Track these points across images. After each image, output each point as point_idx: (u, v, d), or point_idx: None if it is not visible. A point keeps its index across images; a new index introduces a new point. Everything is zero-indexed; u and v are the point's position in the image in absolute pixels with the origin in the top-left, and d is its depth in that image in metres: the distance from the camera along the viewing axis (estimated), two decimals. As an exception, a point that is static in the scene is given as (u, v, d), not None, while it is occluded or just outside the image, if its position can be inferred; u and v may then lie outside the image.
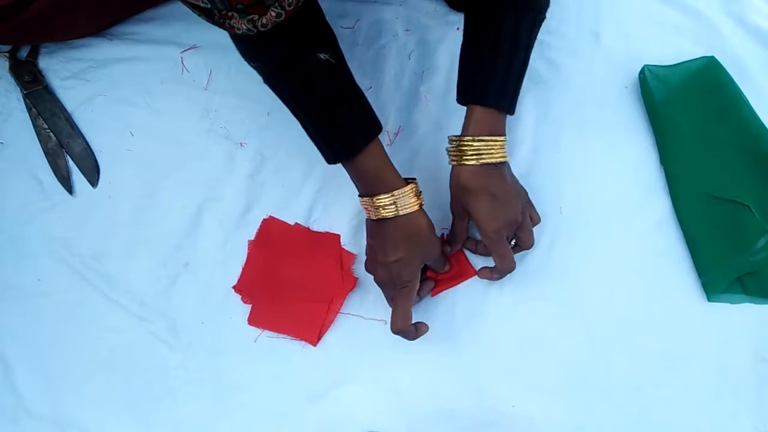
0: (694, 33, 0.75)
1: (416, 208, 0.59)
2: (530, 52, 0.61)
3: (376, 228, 0.60)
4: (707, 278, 0.66)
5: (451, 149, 0.61)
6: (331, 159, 0.59)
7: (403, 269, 0.59)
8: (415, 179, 0.62)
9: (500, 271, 0.62)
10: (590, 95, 0.73)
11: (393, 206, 0.58)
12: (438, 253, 0.63)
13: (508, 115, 0.61)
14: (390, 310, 0.61)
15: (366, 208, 0.60)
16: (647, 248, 0.68)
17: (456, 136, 0.61)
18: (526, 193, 0.65)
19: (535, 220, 0.65)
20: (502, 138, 0.60)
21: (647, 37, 0.75)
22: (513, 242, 0.64)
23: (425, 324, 0.62)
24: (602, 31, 0.76)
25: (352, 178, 0.61)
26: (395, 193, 0.58)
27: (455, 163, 0.61)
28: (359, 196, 0.61)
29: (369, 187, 0.59)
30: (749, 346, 0.65)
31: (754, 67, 0.74)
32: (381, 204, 0.58)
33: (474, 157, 0.59)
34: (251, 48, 0.57)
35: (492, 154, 0.59)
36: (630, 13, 0.76)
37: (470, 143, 0.59)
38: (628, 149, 0.72)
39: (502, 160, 0.60)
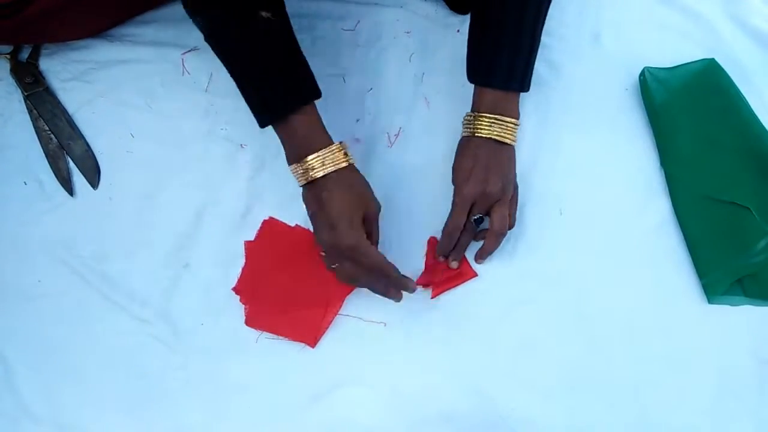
0: (695, 35, 0.75)
1: (345, 164, 0.59)
2: (540, 30, 0.62)
3: (312, 193, 0.60)
4: (708, 280, 0.66)
5: (466, 122, 0.64)
6: (263, 120, 0.59)
7: (345, 223, 0.58)
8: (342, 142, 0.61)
9: (441, 245, 0.65)
10: (590, 97, 0.73)
11: (322, 165, 0.58)
12: (376, 212, 0.62)
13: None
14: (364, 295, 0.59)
15: (297, 175, 0.60)
16: (648, 250, 0.68)
17: (471, 112, 0.63)
18: (517, 187, 0.66)
19: (511, 222, 0.65)
20: (513, 120, 0.62)
21: (647, 39, 0.75)
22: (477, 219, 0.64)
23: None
24: (602, 33, 0.76)
25: (283, 144, 0.61)
26: (322, 151, 0.58)
27: (467, 133, 0.63)
28: (289, 164, 0.60)
29: (297, 150, 0.59)
30: (750, 348, 0.65)
31: (754, 69, 0.74)
32: (310, 165, 0.58)
33: (484, 130, 0.61)
34: (195, 1, 0.57)
35: (500, 133, 0.62)
36: (630, 15, 0.76)
37: (482, 119, 0.61)
38: (629, 151, 0.72)
39: (509, 142, 0.63)
